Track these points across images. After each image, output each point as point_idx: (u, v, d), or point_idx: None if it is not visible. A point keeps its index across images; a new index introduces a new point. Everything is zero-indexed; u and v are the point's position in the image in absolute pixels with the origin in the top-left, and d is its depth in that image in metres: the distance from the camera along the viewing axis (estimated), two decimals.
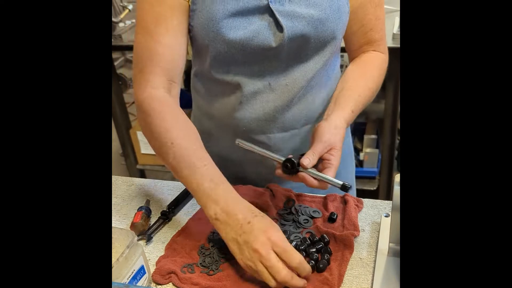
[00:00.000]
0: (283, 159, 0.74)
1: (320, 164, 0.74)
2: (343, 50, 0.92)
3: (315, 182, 0.72)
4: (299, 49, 0.79)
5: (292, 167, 0.72)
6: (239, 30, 0.75)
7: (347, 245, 0.74)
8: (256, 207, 0.85)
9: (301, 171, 0.72)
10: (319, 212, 0.83)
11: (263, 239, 0.65)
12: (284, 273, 0.63)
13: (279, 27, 0.76)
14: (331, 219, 0.81)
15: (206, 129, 0.92)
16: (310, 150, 0.73)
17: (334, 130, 0.75)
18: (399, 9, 1.72)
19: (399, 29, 1.62)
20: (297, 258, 0.64)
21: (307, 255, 0.72)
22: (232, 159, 0.92)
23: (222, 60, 0.80)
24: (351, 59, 0.90)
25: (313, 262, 0.70)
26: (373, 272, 0.70)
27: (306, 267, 0.65)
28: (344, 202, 0.85)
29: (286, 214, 0.83)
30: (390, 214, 0.70)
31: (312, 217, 0.82)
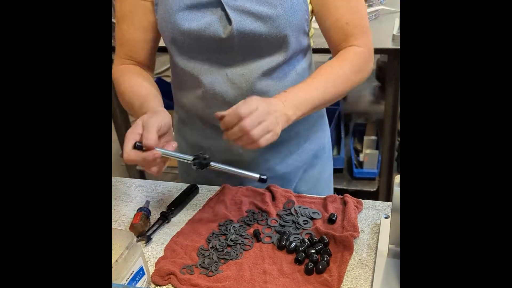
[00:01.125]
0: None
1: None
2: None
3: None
4: (253, 44, 0.82)
5: (201, 163, 0.75)
6: (193, 21, 0.82)
7: (347, 246, 0.74)
8: (256, 207, 0.86)
9: (212, 166, 0.75)
10: (318, 213, 0.83)
11: None
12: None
13: (228, 20, 0.81)
14: (331, 220, 0.80)
15: (181, 117, 1.00)
16: None
17: (247, 100, 0.74)
18: (399, 10, 1.72)
19: (399, 30, 1.62)
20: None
21: (307, 256, 0.72)
22: (203, 146, 0.97)
23: (181, 50, 0.87)
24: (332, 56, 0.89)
25: (312, 263, 0.70)
26: (373, 273, 0.70)
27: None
28: (344, 203, 0.85)
29: (285, 215, 0.83)
30: (390, 215, 0.70)
31: (312, 218, 0.82)
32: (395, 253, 0.71)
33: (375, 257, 0.73)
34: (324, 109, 1.02)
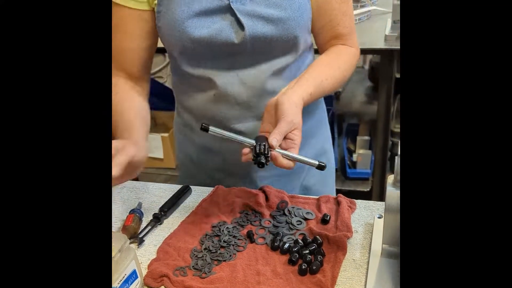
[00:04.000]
0: (251, 141, 0.74)
1: (284, 143, 0.75)
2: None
3: (285, 162, 0.73)
4: (264, 46, 0.83)
5: (262, 155, 0.72)
6: (203, 28, 0.80)
7: (340, 246, 0.74)
8: (249, 208, 0.85)
9: (272, 151, 0.73)
10: (312, 214, 0.83)
11: None
12: None
13: (240, 25, 0.80)
14: (324, 220, 0.80)
15: (187, 121, 0.97)
16: (275, 129, 0.74)
17: (296, 109, 0.76)
18: (391, 10, 1.73)
19: (391, 31, 1.63)
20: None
21: (300, 257, 0.72)
22: (213, 149, 0.96)
23: (190, 56, 0.86)
24: (322, 52, 0.93)
25: (306, 264, 0.70)
26: (366, 273, 0.70)
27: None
28: (337, 203, 0.85)
29: (279, 215, 0.83)
30: (383, 215, 0.70)
31: (305, 219, 0.82)
32: (389, 253, 0.71)
33: (369, 257, 0.73)
34: (324, 105, 1.05)
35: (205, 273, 0.71)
